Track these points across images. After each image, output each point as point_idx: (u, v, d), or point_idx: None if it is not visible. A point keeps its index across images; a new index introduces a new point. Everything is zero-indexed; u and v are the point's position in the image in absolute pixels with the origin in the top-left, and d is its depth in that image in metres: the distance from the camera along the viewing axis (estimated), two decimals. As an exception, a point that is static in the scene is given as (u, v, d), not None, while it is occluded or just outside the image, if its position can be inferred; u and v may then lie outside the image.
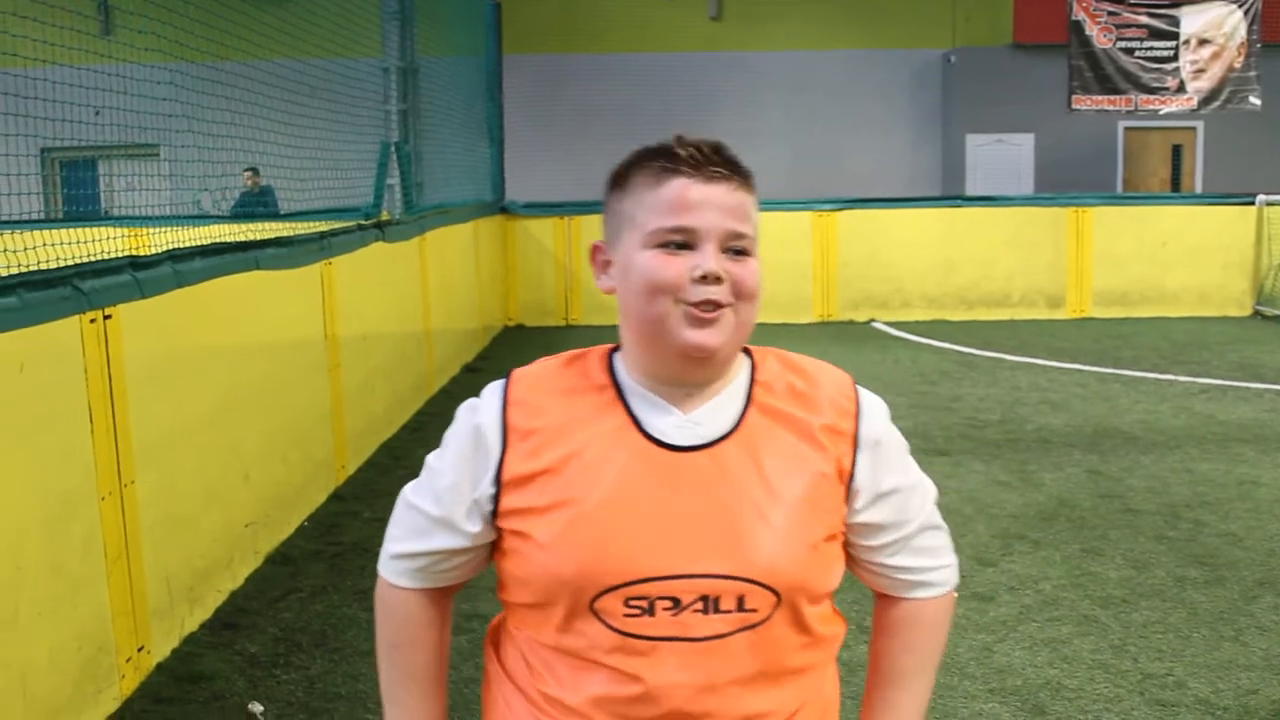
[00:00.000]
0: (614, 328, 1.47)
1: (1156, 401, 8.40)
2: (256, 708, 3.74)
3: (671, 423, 1.42)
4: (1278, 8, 15.88)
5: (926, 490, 1.55)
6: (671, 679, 1.38)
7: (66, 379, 3.57)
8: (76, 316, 3.60)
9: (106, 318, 3.77)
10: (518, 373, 1.49)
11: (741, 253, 1.41)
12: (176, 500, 4.27)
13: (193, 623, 4.33)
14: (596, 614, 1.38)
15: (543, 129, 18.76)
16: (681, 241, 1.39)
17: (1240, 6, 15.23)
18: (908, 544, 1.53)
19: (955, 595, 1.61)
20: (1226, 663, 3.98)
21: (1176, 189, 18.99)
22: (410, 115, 9.63)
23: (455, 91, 11.56)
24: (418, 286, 8.65)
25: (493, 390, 1.47)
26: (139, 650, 3.89)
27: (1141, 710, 3.65)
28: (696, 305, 1.38)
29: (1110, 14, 15.34)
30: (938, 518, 1.56)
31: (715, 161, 1.40)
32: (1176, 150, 19.31)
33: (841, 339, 11.87)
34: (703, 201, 1.39)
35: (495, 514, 1.43)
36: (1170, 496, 5.94)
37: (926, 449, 6.90)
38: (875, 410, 1.50)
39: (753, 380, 1.47)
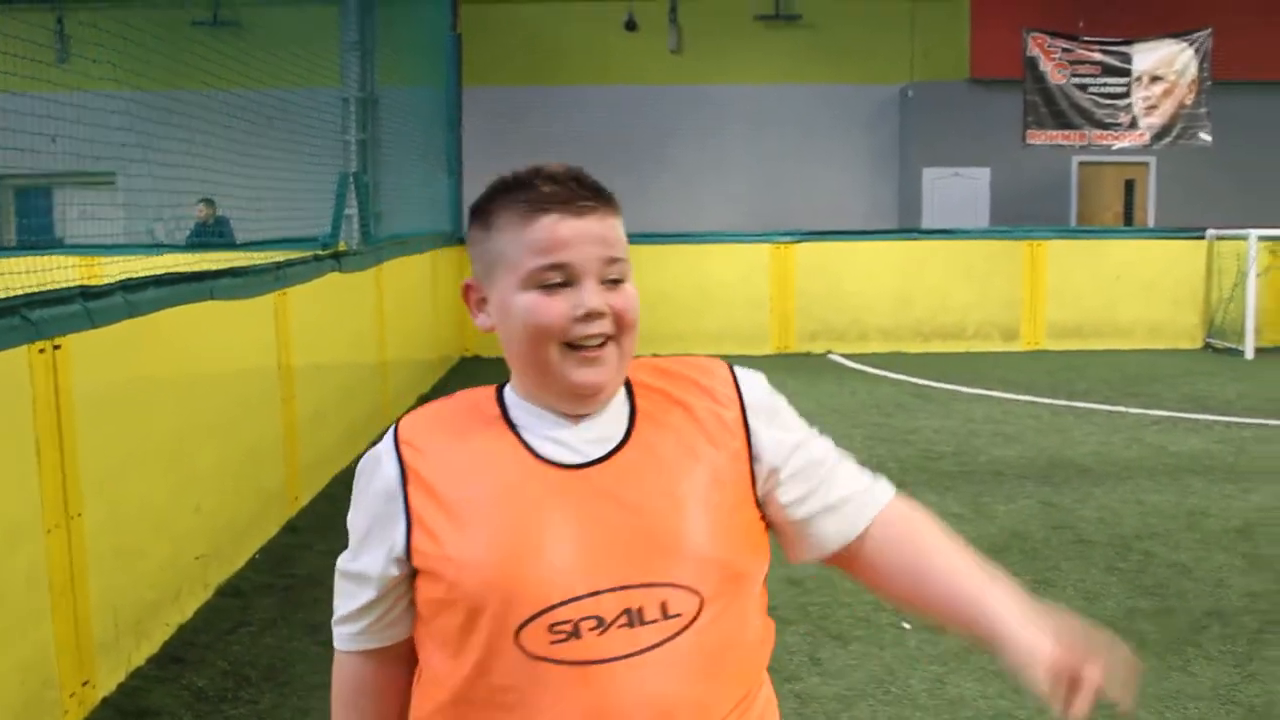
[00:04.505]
0: None
1: (1109, 433, 8.48)
2: (204, 742, 3.69)
3: (566, 436, 1.41)
4: (1227, 46, 16.15)
5: (821, 437, 1.55)
6: (609, 702, 1.33)
7: (13, 409, 3.53)
8: (25, 346, 3.57)
9: (56, 348, 3.74)
10: (405, 418, 1.48)
11: (618, 281, 1.41)
12: (125, 532, 4.22)
13: (139, 657, 4.28)
14: (520, 647, 1.33)
15: (502, 160, 18.04)
16: (560, 280, 1.39)
17: (1191, 45, 15.49)
18: (834, 474, 1.52)
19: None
20: (1175, 693, 4.01)
21: (1129, 223, 19.23)
22: (369, 145, 9.65)
23: (414, 122, 11.57)
24: (373, 317, 8.62)
25: (386, 436, 1.46)
26: (84, 685, 3.84)
27: (1090, 741, 3.67)
28: (583, 345, 1.38)
29: (1064, 50, 15.56)
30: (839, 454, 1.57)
31: (582, 194, 1.40)
32: (1129, 185, 19.55)
33: (798, 371, 11.91)
34: (576, 236, 1.38)
35: (409, 553, 1.40)
36: (1121, 527, 5.99)
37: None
38: (753, 382, 1.51)
39: (631, 388, 1.47)
